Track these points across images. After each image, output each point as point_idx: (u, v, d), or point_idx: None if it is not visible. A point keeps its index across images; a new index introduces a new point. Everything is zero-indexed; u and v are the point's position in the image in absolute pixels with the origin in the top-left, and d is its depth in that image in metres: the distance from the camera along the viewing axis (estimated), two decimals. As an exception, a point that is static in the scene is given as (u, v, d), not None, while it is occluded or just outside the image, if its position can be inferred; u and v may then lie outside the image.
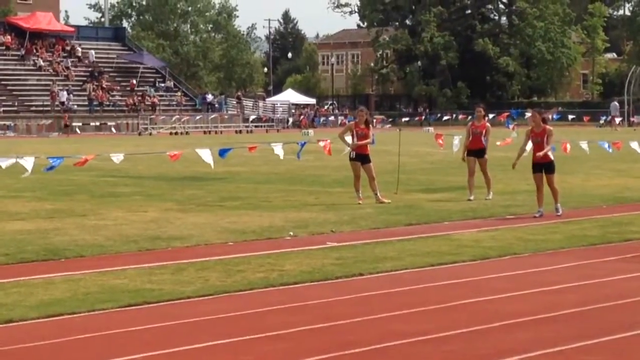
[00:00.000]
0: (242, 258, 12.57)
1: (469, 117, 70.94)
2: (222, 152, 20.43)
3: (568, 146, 23.72)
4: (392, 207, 18.64)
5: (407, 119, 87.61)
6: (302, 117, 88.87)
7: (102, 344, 8.25)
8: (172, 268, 11.87)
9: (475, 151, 20.18)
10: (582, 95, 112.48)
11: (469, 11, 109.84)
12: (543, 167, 17.25)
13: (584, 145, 24.50)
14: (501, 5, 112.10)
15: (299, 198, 20.51)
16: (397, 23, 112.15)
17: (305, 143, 23.23)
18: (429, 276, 11.36)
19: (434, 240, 14.20)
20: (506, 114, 60.31)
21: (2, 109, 72.38)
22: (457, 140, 24.94)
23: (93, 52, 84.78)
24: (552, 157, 17.33)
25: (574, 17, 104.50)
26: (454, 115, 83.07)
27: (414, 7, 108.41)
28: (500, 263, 12.35)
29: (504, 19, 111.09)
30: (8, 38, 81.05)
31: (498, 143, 28.18)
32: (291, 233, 14.98)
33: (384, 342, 8.19)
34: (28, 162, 17.33)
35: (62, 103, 74.92)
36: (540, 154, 17.11)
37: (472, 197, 19.81)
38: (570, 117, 77.83)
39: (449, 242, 13.99)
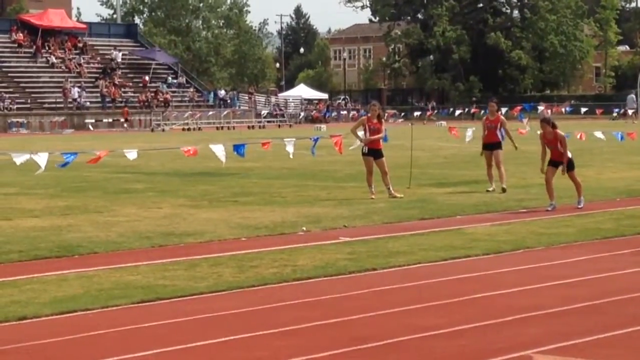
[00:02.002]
0: (255, 253, 12.58)
1: (482, 112, 71.02)
2: (238, 149, 20.35)
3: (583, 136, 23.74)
4: (404, 201, 18.63)
5: (419, 113, 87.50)
6: (313, 112, 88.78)
7: (115, 340, 8.27)
8: (186, 264, 11.89)
9: (491, 145, 20.60)
10: (595, 88, 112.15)
11: (481, 5, 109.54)
12: (560, 164, 17.22)
13: (599, 134, 24.46)
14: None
15: (311, 193, 20.52)
16: (409, 17, 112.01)
17: (318, 138, 23.19)
18: (442, 270, 11.35)
19: (447, 235, 14.18)
20: (519, 107, 60.23)
21: (15, 106, 72.61)
22: (470, 132, 24.96)
23: (120, 53, 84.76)
24: (570, 155, 17.29)
25: (586, 10, 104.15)
26: (466, 109, 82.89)
27: (425, 1, 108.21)
28: (514, 257, 12.33)
29: (516, 12, 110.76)
30: (20, 35, 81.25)
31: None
32: (304, 228, 14.98)
33: (398, 336, 8.19)
34: (41, 159, 17.35)
35: (75, 100, 75.10)
36: (562, 170, 17.07)
37: (491, 188, 20.00)
38: (583, 110, 77.71)
39: (462, 236, 13.97)
